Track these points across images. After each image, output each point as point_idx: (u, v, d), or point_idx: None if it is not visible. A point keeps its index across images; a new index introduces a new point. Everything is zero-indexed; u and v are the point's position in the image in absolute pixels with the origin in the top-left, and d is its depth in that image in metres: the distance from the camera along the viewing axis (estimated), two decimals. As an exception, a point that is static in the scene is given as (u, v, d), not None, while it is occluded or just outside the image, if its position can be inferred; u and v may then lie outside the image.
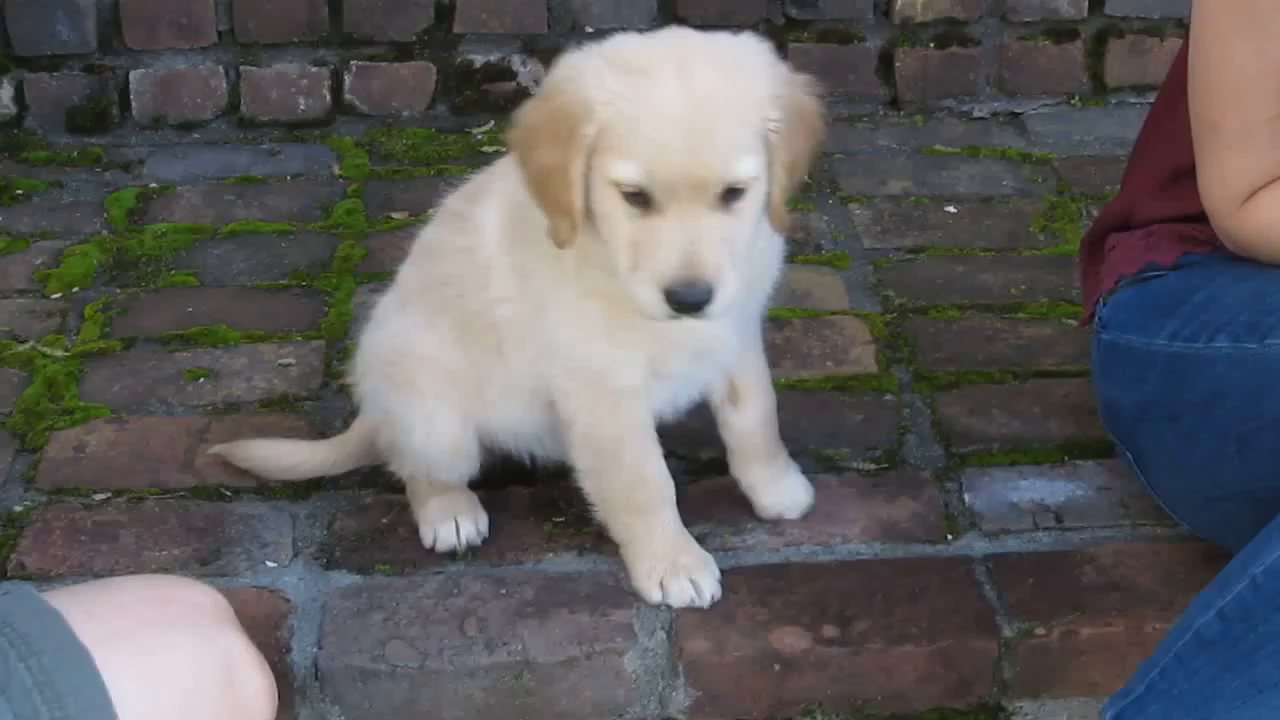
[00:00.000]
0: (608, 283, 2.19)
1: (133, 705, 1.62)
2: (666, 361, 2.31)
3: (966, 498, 2.58)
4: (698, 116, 2.06)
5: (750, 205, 2.14)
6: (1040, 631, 2.33)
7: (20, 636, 1.62)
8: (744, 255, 2.14)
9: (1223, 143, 2.23)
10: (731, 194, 2.10)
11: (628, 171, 2.08)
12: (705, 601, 2.35)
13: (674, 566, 2.36)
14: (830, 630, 2.32)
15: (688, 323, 2.15)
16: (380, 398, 2.47)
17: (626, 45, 2.17)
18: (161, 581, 1.84)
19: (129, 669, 1.63)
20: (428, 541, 2.47)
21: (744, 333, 2.38)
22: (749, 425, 2.48)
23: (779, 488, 2.52)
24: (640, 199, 2.09)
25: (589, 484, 2.39)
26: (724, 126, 2.08)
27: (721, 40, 2.19)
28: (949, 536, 2.50)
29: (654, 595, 2.36)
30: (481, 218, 2.36)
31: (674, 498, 2.40)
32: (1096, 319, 2.47)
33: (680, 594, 2.35)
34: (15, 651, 1.60)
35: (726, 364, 2.40)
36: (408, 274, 2.51)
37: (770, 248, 2.32)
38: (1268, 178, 2.23)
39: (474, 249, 2.37)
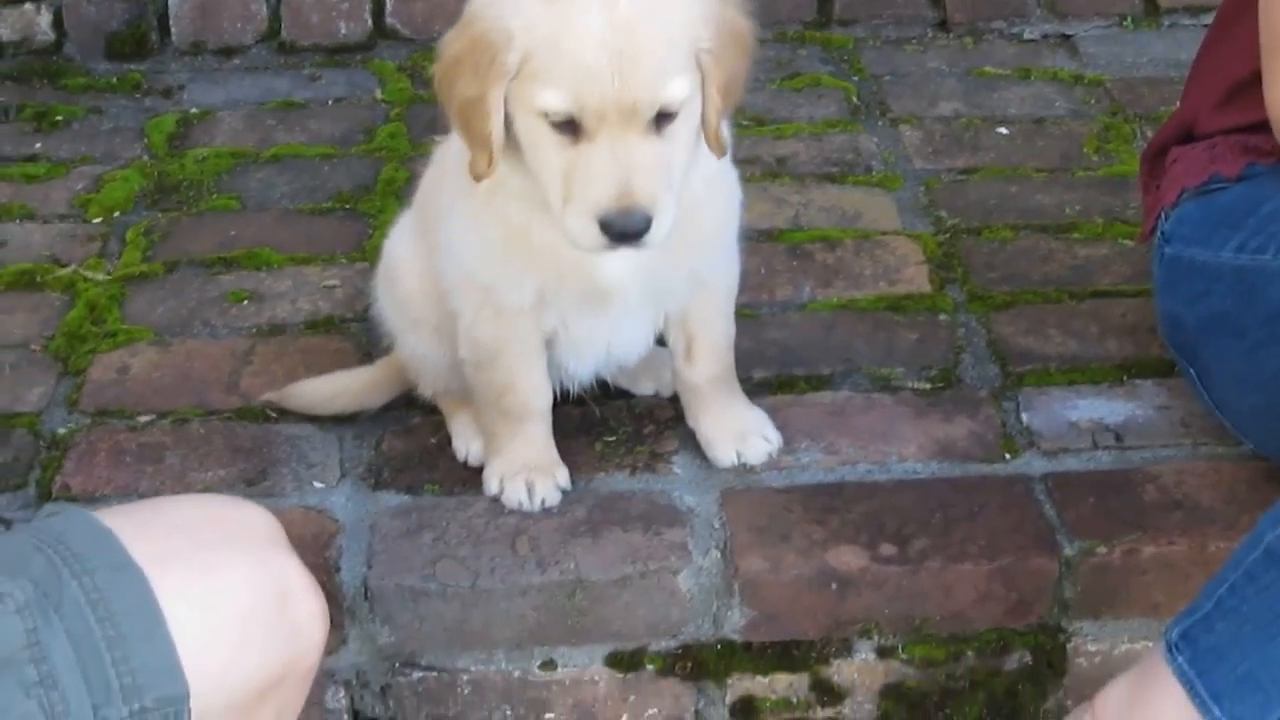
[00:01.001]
0: (516, 209, 2.17)
1: (187, 625, 1.60)
2: (556, 293, 2.27)
3: (1024, 417, 2.53)
4: (624, 39, 2.00)
5: (684, 129, 2.08)
6: (1101, 550, 2.29)
7: (74, 555, 1.60)
8: (680, 180, 2.09)
9: None
10: (663, 118, 2.04)
11: (554, 100, 2.02)
12: (534, 505, 2.33)
13: (521, 469, 2.35)
14: (887, 549, 2.29)
15: (598, 260, 2.14)
16: (383, 310, 2.49)
17: None
18: (215, 501, 1.81)
19: (183, 589, 1.61)
20: (460, 455, 2.45)
21: (675, 287, 2.32)
22: (695, 379, 2.42)
23: (726, 440, 2.43)
24: (569, 128, 2.04)
25: (469, 373, 2.37)
26: (652, 48, 2.02)
27: None
28: (1007, 456, 2.46)
29: (491, 490, 2.36)
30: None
31: (547, 411, 2.38)
32: (1159, 233, 2.43)
33: (513, 494, 2.34)
34: (69, 569, 1.58)
35: (630, 323, 2.35)
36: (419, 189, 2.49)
37: (714, 194, 2.27)
38: None
39: (443, 155, 2.36)
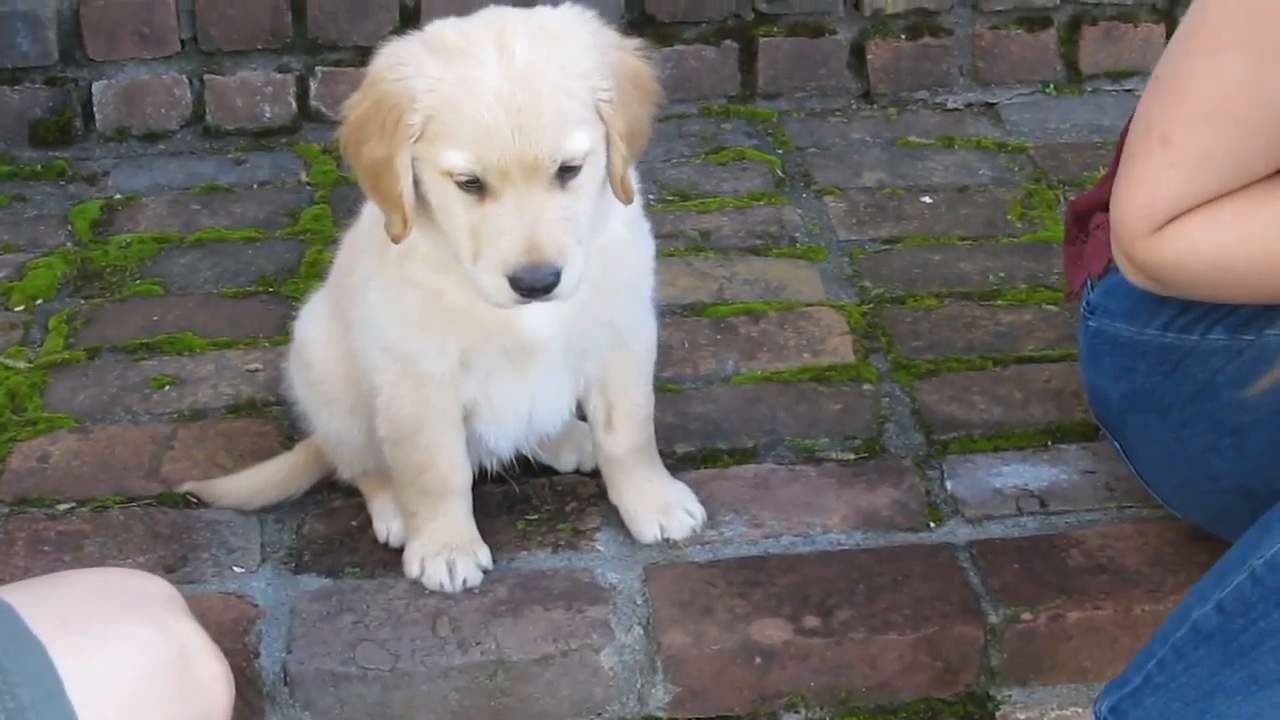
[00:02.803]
0: (428, 274, 2.18)
1: (86, 693, 1.58)
2: (478, 354, 2.26)
3: (948, 484, 2.53)
4: (522, 95, 2.01)
5: (588, 180, 2.10)
6: (1027, 616, 2.28)
7: (-28, 629, 1.58)
8: (587, 231, 2.10)
9: (1168, 159, 2.01)
10: (567, 171, 2.06)
11: (457, 160, 2.04)
12: (455, 585, 2.32)
13: (441, 548, 2.34)
14: (811, 621, 2.27)
15: (518, 316, 2.15)
16: (296, 391, 2.49)
17: (444, 27, 2.11)
18: (112, 573, 1.81)
19: (82, 657, 1.59)
20: (381, 536, 2.44)
21: (595, 342, 2.32)
22: (616, 450, 2.42)
23: (649, 515, 2.42)
24: (474, 186, 2.05)
25: (387, 451, 2.36)
26: (550, 102, 2.03)
27: (541, 13, 2.13)
28: (931, 524, 2.45)
29: (412, 572, 2.34)
30: (366, 206, 2.32)
31: (467, 488, 2.37)
32: (1085, 303, 2.42)
33: (434, 575, 2.33)
34: (-34, 644, 1.56)
35: (551, 385, 2.34)
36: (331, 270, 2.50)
37: (633, 238, 2.28)
38: (1193, 205, 2.03)
39: (354, 238, 2.37)
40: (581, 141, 2.05)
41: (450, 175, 2.05)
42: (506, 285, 2.04)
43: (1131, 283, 2.15)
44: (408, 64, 2.07)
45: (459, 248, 2.09)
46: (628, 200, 2.17)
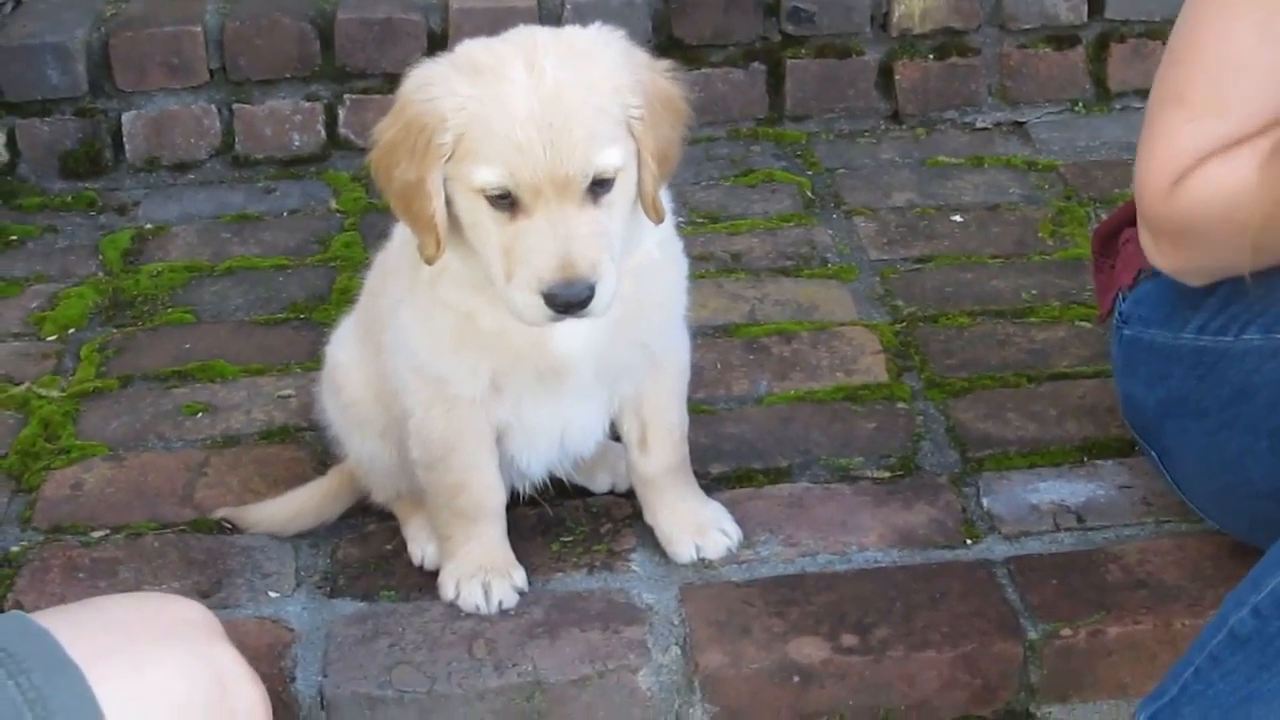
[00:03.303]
0: (460, 296, 2.18)
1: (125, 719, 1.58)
2: (510, 376, 2.26)
3: (984, 502, 2.52)
4: (552, 111, 2.02)
5: (620, 196, 2.09)
6: (1066, 632, 2.27)
7: (9, 655, 1.58)
8: (619, 248, 2.10)
9: (1185, 115, 2.09)
10: (599, 186, 2.06)
11: (489, 176, 2.04)
12: (491, 607, 2.31)
13: (476, 570, 2.33)
14: (849, 639, 2.26)
15: (552, 336, 2.15)
16: (328, 415, 2.49)
17: (474, 47, 2.12)
18: (149, 598, 1.80)
19: (119, 684, 1.59)
20: (415, 560, 2.43)
21: (628, 363, 2.32)
22: (651, 471, 2.41)
23: (684, 535, 2.41)
24: (506, 203, 2.05)
25: (420, 474, 2.35)
26: (581, 118, 2.03)
27: (571, 33, 2.14)
28: (968, 541, 2.44)
29: (448, 595, 2.33)
30: (397, 228, 2.32)
31: (501, 510, 2.36)
32: (1117, 314, 2.41)
33: (469, 597, 2.32)
34: (5, 669, 1.57)
35: (584, 406, 2.33)
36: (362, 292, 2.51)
37: (666, 258, 2.28)
38: (1211, 151, 2.09)
39: (384, 259, 2.37)
40: (613, 156, 2.05)
41: (482, 193, 2.05)
42: (541, 302, 2.04)
43: (1158, 261, 2.19)
44: (437, 84, 2.07)
45: (492, 266, 2.09)
46: (659, 219, 2.17)
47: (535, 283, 2.03)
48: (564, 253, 2.03)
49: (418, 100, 2.08)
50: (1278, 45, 2.04)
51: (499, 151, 2.02)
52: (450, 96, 2.05)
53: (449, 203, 2.10)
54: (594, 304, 2.04)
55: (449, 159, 2.06)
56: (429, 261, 2.12)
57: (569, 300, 2.03)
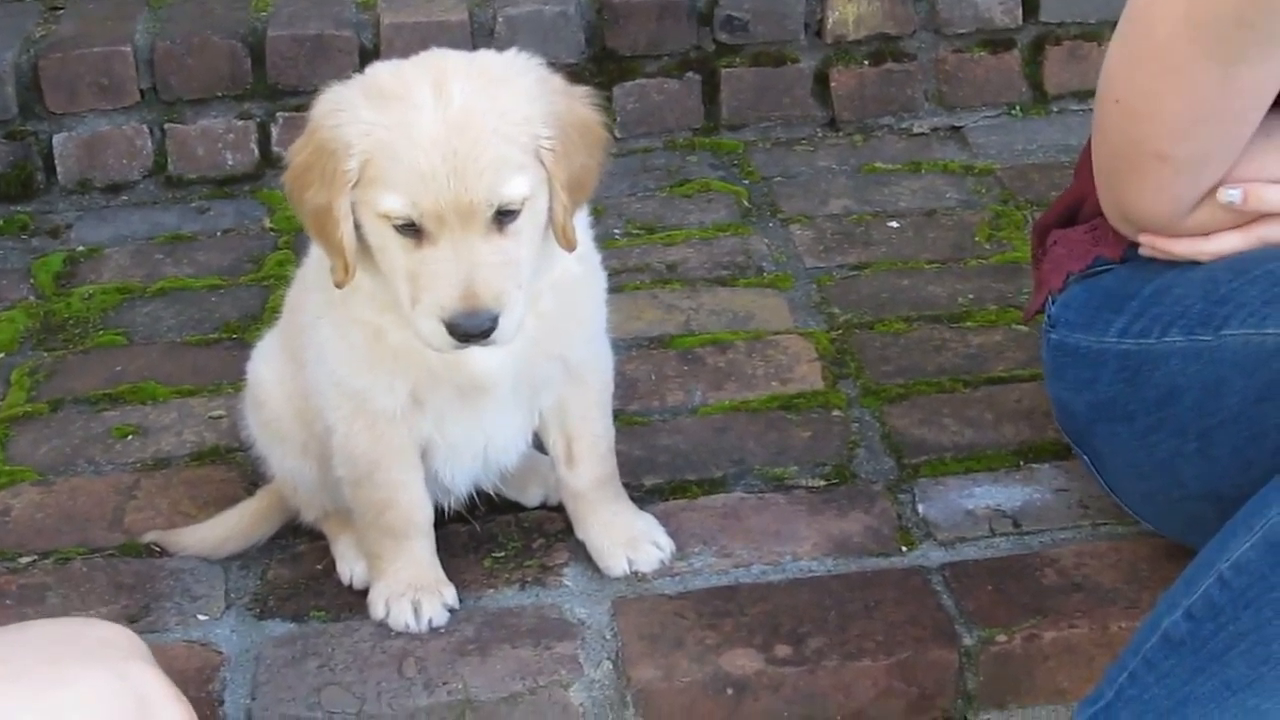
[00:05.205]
0: (371, 313, 2.17)
1: None
2: (430, 391, 2.24)
3: (920, 508, 2.50)
4: (458, 138, 2.00)
5: (528, 225, 2.07)
6: (1002, 638, 2.25)
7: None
8: (527, 276, 2.08)
9: (1170, 170, 2.10)
10: (504, 215, 2.04)
11: (393, 204, 2.02)
12: (421, 626, 2.28)
13: (406, 589, 2.30)
14: (783, 650, 2.24)
15: (466, 353, 2.11)
16: (251, 431, 2.47)
17: (382, 71, 2.10)
18: (71, 622, 1.78)
19: (37, 705, 1.56)
20: (345, 579, 2.41)
21: (547, 376, 2.31)
22: (579, 485, 2.39)
23: (616, 549, 2.39)
24: (412, 230, 2.04)
25: (347, 492, 2.34)
26: (487, 146, 2.01)
27: (483, 58, 2.12)
28: (903, 548, 2.43)
29: (377, 613, 2.31)
30: (313, 245, 2.30)
31: (429, 526, 2.34)
32: (1046, 318, 2.40)
33: (399, 616, 2.30)
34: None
35: (505, 419, 2.32)
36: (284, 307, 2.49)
37: (580, 285, 2.26)
38: (1212, 188, 2.12)
39: (304, 274, 2.36)
40: (519, 186, 2.03)
41: (388, 219, 2.04)
42: (444, 330, 2.03)
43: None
44: (344, 110, 2.06)
45: (398, 291, 2.08)
46: (570, 248, 2.15)
47: (438, 310, 2.02)
48: (467, 282, 2.01)
49: (326, 125, 2.06)
50: (1242, 95, 2.03)
51: (403, 179, 2.01)
52: (356, 123, 2.03)
53: (358, 227, 2.08)
54: (497, 334, 2.03)
55: (355, 185, 2.05)
56: (338, 285, 2.11)
57: (470, 330, 2.02)
